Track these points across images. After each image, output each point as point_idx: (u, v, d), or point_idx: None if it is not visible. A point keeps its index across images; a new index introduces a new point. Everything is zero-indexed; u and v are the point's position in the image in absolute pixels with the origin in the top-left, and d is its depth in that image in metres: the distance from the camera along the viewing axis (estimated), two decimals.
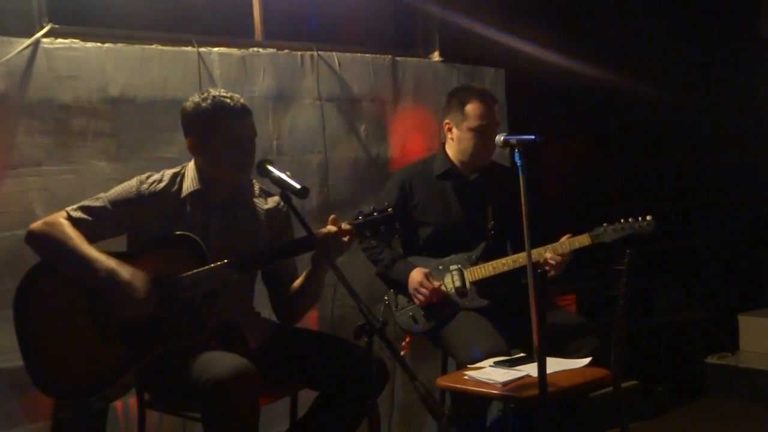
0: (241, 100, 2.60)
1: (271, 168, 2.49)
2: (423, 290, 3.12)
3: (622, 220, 3.07)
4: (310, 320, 3.55)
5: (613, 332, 2.82)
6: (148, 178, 2.63)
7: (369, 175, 3.87)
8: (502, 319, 3.09)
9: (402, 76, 4.04)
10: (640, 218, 3.06)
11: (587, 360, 2.84)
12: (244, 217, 2.69)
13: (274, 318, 2.81)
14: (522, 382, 2.62)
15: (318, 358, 2.61)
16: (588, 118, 5.07)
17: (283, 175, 2.44)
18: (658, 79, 5.18)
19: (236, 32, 3.64)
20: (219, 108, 2.55)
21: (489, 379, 2.66)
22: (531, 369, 2.63)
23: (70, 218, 2.52)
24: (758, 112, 5.64)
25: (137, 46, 3.23)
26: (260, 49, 3.58)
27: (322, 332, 3.44)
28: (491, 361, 2.82)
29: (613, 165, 5.23)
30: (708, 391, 4.70)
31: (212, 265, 2.48)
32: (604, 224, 3.08)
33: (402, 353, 3.18)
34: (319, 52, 3.74)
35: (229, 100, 2.57)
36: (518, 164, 2.75)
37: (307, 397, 2.70)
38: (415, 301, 3.18)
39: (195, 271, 2.47)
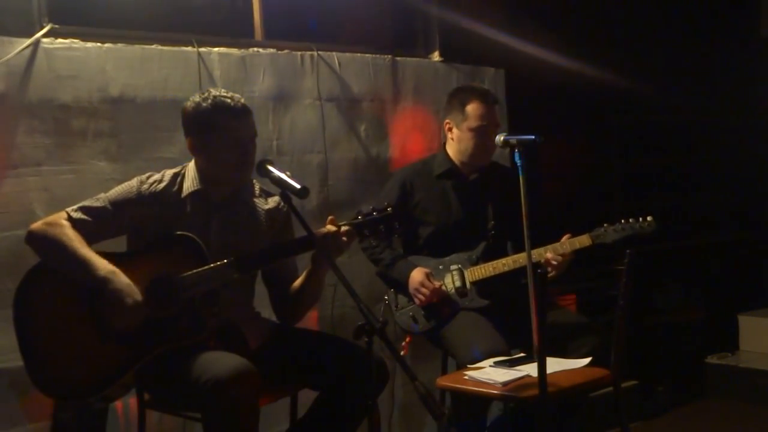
0: (242, 100, 2.60)
1: (271, 168, 2.49)
2: (424, 290, 3.12)
3: (622, 221, 3.06)
4: (310, 320, 3.55)
5: (613, 332, 2.82)
6: (148, 178, 2.63)
7: (369, 175, 3.87)
8: (502, 319, 3.09)
9: (402, 76, 4.04)
10: (640, 219, 3.05)
11: (587, 360, 2.84)
12: (245, 217, 2.69)
13: (274, 318, 2.81)
14: (522, 382, 2.62)
15: (318, 358, 2.61)
16: (588, 118, 5.07)
17: (283, 175, 2.44)
18: (658, 79, 5.18)
19: (236, 32, 3.64)
20: (219, 108, 2.55)
21: (489, 379, 2.66)
22: (531, 369, 2.63)
23: (70, 219, 2.52)
24: (758, 112, 5.64)
25: (137, 46, 3.23)
26: (260, 49, 3.58)
27: (322, 332, 3.44)
28: (491, 361, 2.82)
29: (613, 165, 5.23)
30: (708, 391, 4.70)
31: (212, 265, 2.48)
32: (605, 225, 3.08)
33: (402, 353, 3.18)
34: (319, 52, 3.74)
35: (229, 100, 2.57)
36: (518, 164, 2.75)
37: (307, 397, 2.70)
38: (416, 301, 3.18)
39: (195, 271, 2.47)
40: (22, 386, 2.78)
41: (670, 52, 5.32)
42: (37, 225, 2.53)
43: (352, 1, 4.06)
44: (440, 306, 3.17)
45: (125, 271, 2.45)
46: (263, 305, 2.81)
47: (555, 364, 2.74)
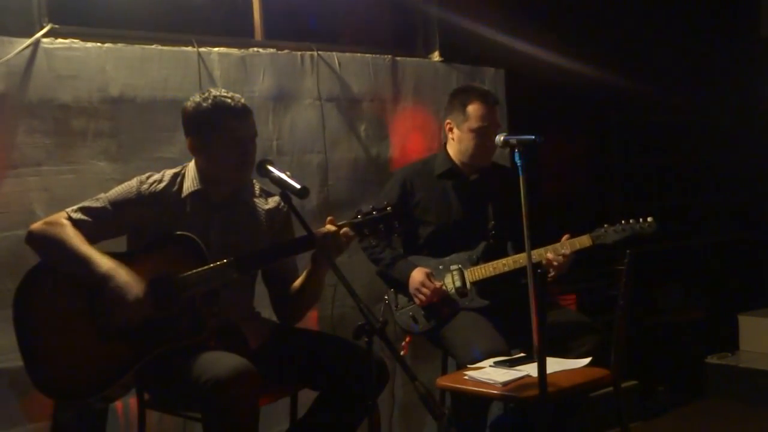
0: (242, 100, 2.60)
1: (271, 168, 2.49)
2: (425, 290, 3.12)
3: (623, 222, 3.06)
4: (310, 320, 3.55)
5: (613, 332, 2.82)
6: (148, 178, 2.63)
7: (369, 175, 3.87)
8: (502, 319, 3.09)
9: (402, 76, 4.04)
10: (641, 219, 3.05)
11: (587, 360, 2.84)
12: (245, 217, 2.69)
13: (274, 318, 2.81)
14: (522, 382, 2.63)
15: (318, 358, 2.61)
16: (588, 118, 5.07)
17: (283, 175, 2.44)
18: (658, 79, 5.18)
19: (236, 32, 3.64)
20: (219, 108, 2.55)
21: (489, 379, 2.66)
22: (531, 369, 2.63)
23: (70, 219, 2.52)
24: (758, 112, 5.65)
25: (137, 46, 3.23)
26: (260, 49, 3.58)
27: (322, 332, 3.44)
28: (491, 361, 2.82)
29: (613, 165, 5.23)
30: (708, 391, 4.70)
31: (212, 265, 2.48)
32: (605, 225, 3.08)
33: (402, 353, 3.18)
34: (319, 52, 3.74)
35: (229, 100, 2.57)
36: (518, 164, 2.75)
37: (307, 397, 2.70)
38: (416, 301, 3.18)
39: (195, 271, 2.46)
40: (22, 386, 2.78)
41: (670, 52, 5.32)
42: (36, 225, 2.53)
43: (352, 1, 4.06)
44: (440, 306, 3.17)
45: None
46: (263, 305, 2.81)
47: (555, 364, 2.74)
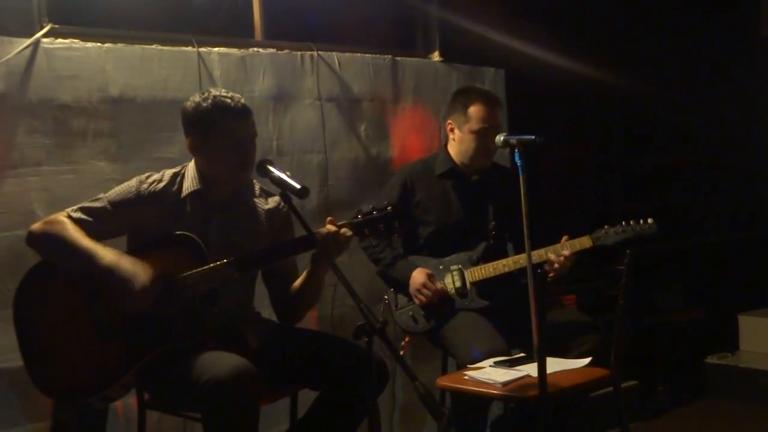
0: (242, 100, 2.60)
1: (271, 168, 2.49)
2: (425, 291, 3.12)
3: (623, 223, 3.06)
4: (310, 320, 3.55)
5: (613, 332, 2.82)
6: (147, 178, 2.63)
7: (369, 175, 3.87)
8: (502, 319, 3.09)
9: (402, 76, 4.04)
10: (641, 221, 3.05)
11: (587, 360, 2.84)
12: (245, 217, 2.69)
13: (274, 318, 2.81)
14: (522, 382, 2.62)
15: (318, 358, 2.61)
16: (588, 118, 5.07)
17: (283, 175, 2.44)
18: (658, 79, 5.18)
19: (236, 32, 3.64)
20: (219, 108, 2.55)
21: (489, 379, 2.66)
22: (531, 369, 2.63)
23: (70, 219, 2.52)
24: (758, 112, 5.65)
25: (137, 46, 3.23)
26: (260, 49, 3.58)
27: (322, 332, 3.44)
28: (491, 361, 2.82)
29: (613, 165, 5.23)
30: (708, 391, 4.70)
31: (212, 264, 2.48)
32: (606, 226, 3.08)
33: (402, 353, 3.18)
34: (319, 52, 3.74)
35: (229, 100, 2.56)
36: (518, 164, 2.75)
37: (307, 397, 2.70)
38: (416, 301, 3.18)
39: (195, 270, 2.46)
40: (22, 386, 2.78)
41: (670, 52, 5.32)
42: (36, 225, 2.53)
43: (352, 1, 4.06)
44: (440, 306, 3.17)
45: None
46: (263, 305, 2.81)
47: (555, 364, 2.74)
